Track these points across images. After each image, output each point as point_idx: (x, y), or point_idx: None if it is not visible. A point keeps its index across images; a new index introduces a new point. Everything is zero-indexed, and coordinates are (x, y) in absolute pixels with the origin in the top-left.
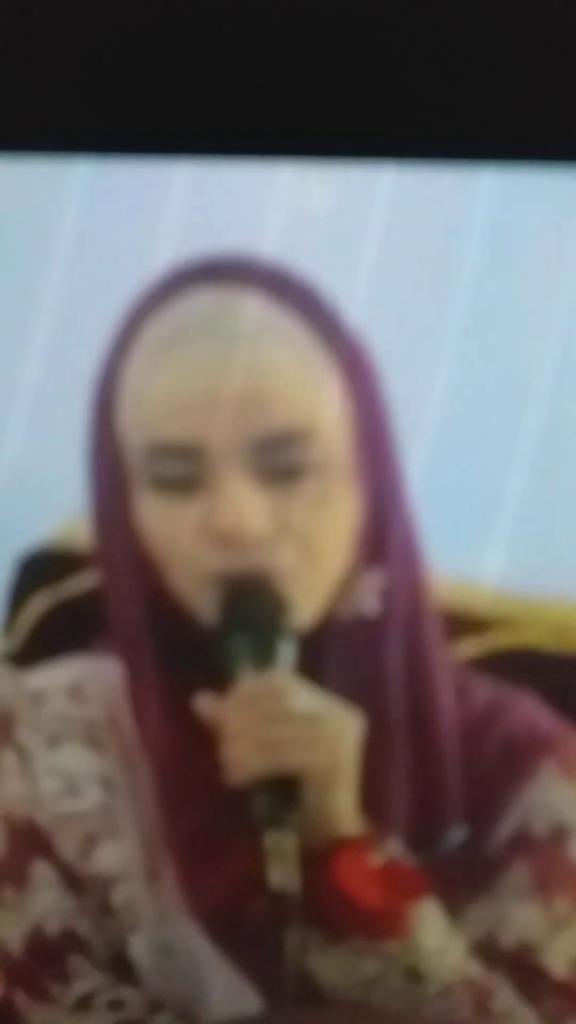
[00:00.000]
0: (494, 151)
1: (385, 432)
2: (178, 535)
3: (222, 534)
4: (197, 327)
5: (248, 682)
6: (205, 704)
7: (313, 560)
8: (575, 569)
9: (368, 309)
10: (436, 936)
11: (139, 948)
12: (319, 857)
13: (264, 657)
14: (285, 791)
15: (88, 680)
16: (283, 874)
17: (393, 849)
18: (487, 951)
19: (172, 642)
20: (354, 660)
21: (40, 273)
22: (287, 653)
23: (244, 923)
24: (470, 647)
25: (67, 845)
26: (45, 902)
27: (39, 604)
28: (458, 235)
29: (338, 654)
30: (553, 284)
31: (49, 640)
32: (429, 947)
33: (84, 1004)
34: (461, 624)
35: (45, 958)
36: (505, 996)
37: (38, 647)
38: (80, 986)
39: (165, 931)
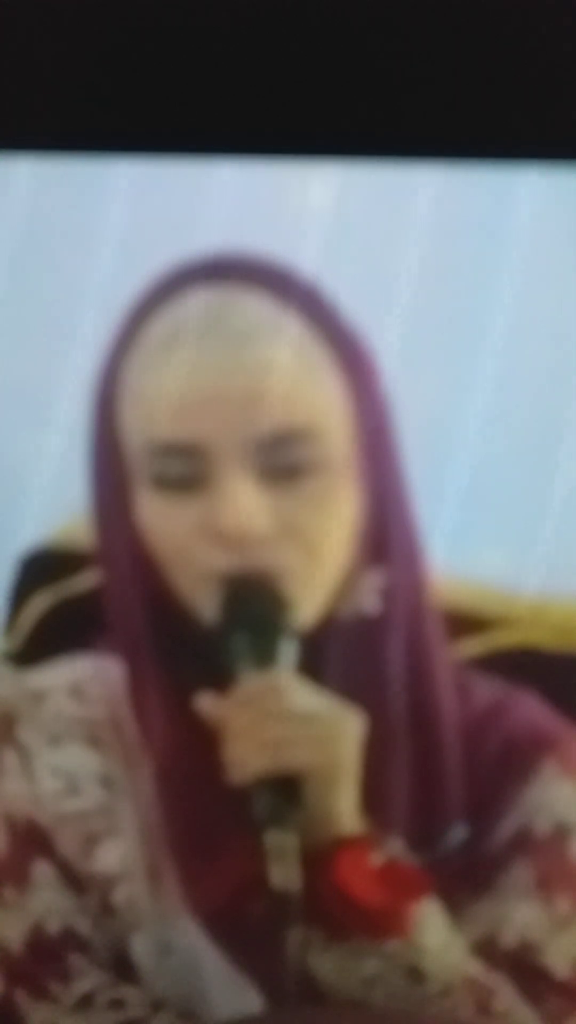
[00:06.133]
0: (494, 150)
1: (386, 431)
2: (179, 534)
3: (223, 533)
4: (198, 326)
5: (249, 681)
6: (206, 703)
7: (314, 559)
8: None
9: (369, 308)
10: (437, 935)
11: (140, 947)
12: (320, 857)
13: (265, 656)
14: (286, 790)
15: (89, 679)
16: (284, 874)
17: (394, 848)
18: (488, 950)
19: (173, 641)
20: (355, 659)
21: (40, 272)
22: (288, 652)
23: (245, 923)
24: (471, 646)
25: (68, 844)
26: (46, 901)
27: (40, 604)
28: (458, 233)
29: (339, 653)
30: (556, 283)
31: (50, 639)
32: (430, 946)
33: (85, 1003)
34: (462, 623)
35: (46, 957)
36: (506, 996)
37: (39, 646)
38: (81, 985)
39: (166, 930)
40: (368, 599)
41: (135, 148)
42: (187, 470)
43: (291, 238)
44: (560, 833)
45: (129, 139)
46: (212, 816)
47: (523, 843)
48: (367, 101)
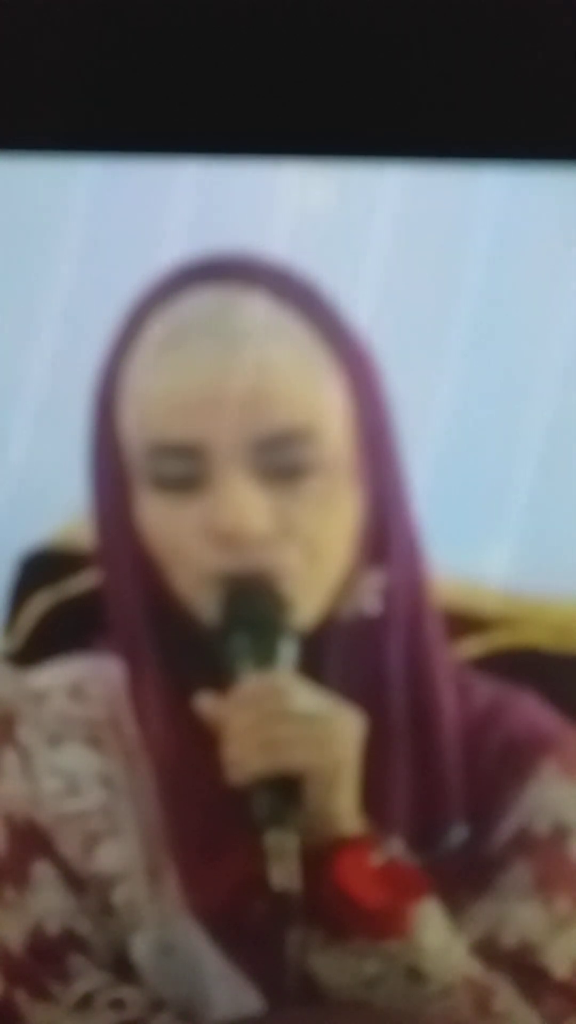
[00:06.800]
0: (497, 150)
1: (387, 431)
2: (179, 535)
3: (223, 534)
4: (199, 326)
5: (249, 682)
6: (206, 704)
7: (314, 560)
8: None
9: (370, 308)
10: (437, 936)
11: (140, 948)
12: (320, 857)
13: (265, 657)
14: (286, 791)
15: (89, 679)
16: (284, 874)
17: (394, 849)
18: (488, 951)
19: (173, 642)
20: (355, 660)
21: (43, 272)
22: (288, 653)
23: (245, 923)
24: (471, 646)
25: (68, 844)
26: (46, 902)
27: (40, 604)
28: (460, 234)
29: (339, 654)
30: (557, 283)
31: (50, 640)
32: (430, 947)
33: (85, 1004)
34: (462, 623)
35: (46, 957)
36: (506, 996)
37: (39, 647)
38: (81, 986)
39: (166, 931)
40: (368, 599)
41: (137, 149)
42: (187, 470)
43: (291, 238)
44: (560, 833)
45: (130, 140)
46: (212, 816)
47: (523, 843)
48: (369, 101)
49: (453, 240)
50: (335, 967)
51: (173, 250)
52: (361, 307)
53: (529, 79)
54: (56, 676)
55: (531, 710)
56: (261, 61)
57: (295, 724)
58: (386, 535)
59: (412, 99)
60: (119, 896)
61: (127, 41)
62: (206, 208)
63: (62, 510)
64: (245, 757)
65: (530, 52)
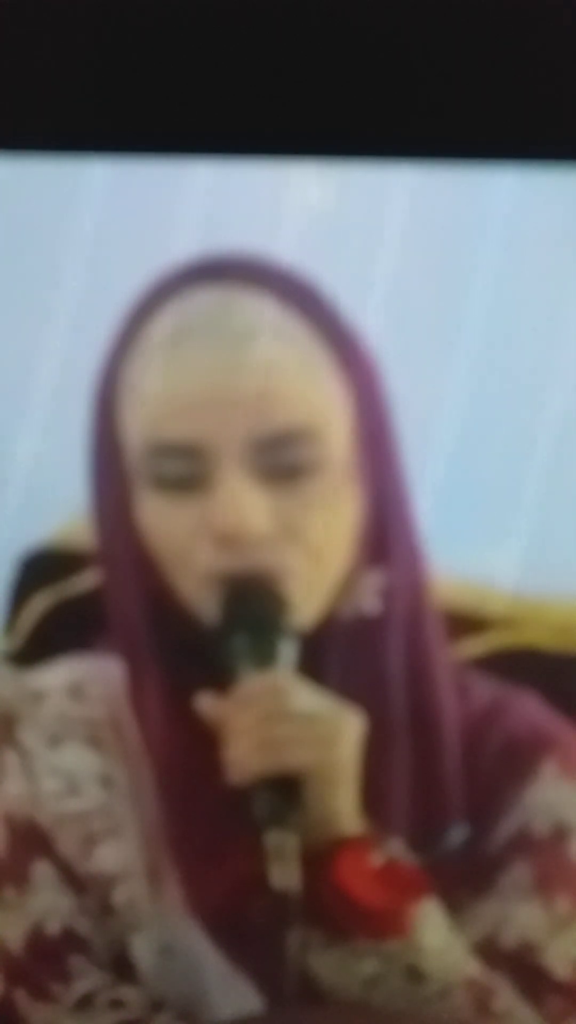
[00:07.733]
0: (501, 150)
1: (387, 431)
2: (179, 535)
3: (223, 534)
4: (199, 326)
5: (249, 682)
6: (206, 704)
7: (314, 560)
8: None
9: (371, 308)
10: (437, 936)
11: (140, 948)
12: (320, 857)
13: (265, 657)
14: (286, 791)
15: (89, 680)
16: (284, 874)
17: (394, 849)
18: (488, 951)
19: (173, 641)
20: (355, 660)
21: (44, 272)
22: (288, 653)
23: (245, 923)
24: (471, 646)
25: (68, 844)
26: (46, 902)
27: (40, 604)
28: (463, 235)
29: (339, 654)
30: (563, 284)
31: (50, 640)
32: (430, 947)
33: (85, 1003)
34: (462, 623)
35: (46, 958)
36: (506, 996)
37: (39, 647)
38: (81, 986)
39: (166, 931)
40: (368, 599)
41: (141, 149)
42: (187, 470)
43: (294, 239)
44: (560, 833)
45: (135, 140)
46: (212, 816)
47: (523, 843)
48: (373, 102)
49: (458, 241)
50: (335, 967)
51: (176, 250)
52: (364, 308)
53: (530, 79)
54: (56, 676)
55: (531, 710)
56: (266, 62)
57: (295, 724)
58: (386, 535)
59: (416, 99)
60: (119, 896)
61: (132, 41)
62: (209, 208)
63: (62, 510)
64: (245, 757)
65: (531, 52)
